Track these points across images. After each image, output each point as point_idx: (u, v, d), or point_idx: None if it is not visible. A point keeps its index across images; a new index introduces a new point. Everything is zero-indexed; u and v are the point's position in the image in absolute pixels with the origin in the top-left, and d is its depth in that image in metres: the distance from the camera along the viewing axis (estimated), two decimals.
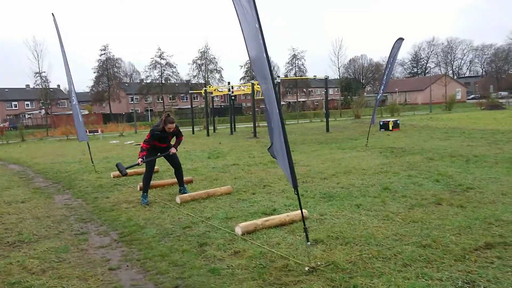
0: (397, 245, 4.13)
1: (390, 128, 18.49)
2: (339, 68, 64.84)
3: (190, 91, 25.77)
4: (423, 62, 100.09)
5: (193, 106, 26.34)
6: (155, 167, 7.35)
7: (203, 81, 67.61)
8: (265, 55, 3.70)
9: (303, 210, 5.29)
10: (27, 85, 78.94)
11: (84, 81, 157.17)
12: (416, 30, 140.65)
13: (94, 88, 71.66)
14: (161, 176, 9.05)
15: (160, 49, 79.00)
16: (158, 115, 35.18)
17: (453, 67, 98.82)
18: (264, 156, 11.75)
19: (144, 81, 73.24)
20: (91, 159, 10.44)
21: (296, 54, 79.23)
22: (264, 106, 4.17)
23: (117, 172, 9.11)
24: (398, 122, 19.11)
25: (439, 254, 3.87)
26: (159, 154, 6.77)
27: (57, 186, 8.52)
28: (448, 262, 3.68)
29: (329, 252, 4.07)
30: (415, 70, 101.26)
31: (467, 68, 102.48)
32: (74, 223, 5.63)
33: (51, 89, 79.22)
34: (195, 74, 70.36)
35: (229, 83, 24.14)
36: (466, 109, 43.69)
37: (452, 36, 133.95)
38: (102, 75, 70.01)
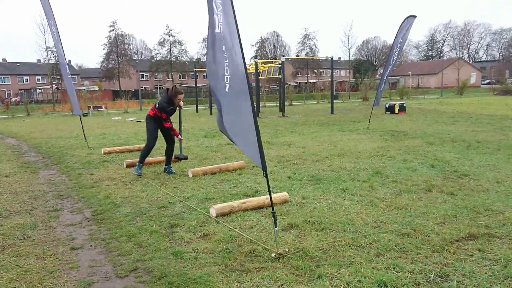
0: (375, 233, 3.91)
1: (396, 111, 18.07)
2: (349, 49, 63.48)
3: (194, 69, 25.43)
4: (438, 45, 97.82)
5: (200, 85, 26.09)
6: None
7: None
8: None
9: (284, 193, 5.13)
10: (38, 60, 79.07)
11: (95, 58, 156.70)
12: (433, 13, 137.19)
13: (104, 65, 71.58)
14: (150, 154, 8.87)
15: (168, 26, 78.40)
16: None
17: (469, 51, 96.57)
18: (261, 136, 11.51)
19: (154, 59, 72.88)
20: (84, 135, 10.30)
21: (308, 34, 77.94)
22: (211, 76, 3.79)
23: (108, 149, 9.00)
24: (404, 105, 18.65)
25: (417, 244, 3.64)
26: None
27: (46, 161, 8.41)
28: (424, 253, 3.45)
29: (302, 238, 3.87)
30: (430, 53, 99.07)
31: (484, 52, 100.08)
32: (50, 199, 5.49)
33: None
34: (204, 52, 69.71)
35: None
36: (478, 94, 42.70)
37: (470, 19, 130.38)
38: (111, 52, 69.77)
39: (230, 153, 8.74)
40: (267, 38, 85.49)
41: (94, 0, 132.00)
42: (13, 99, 68.46)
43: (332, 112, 19.94)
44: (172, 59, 69.66)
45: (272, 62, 23.11)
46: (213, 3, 3.57)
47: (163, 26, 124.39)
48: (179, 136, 6.85)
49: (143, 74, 75.85)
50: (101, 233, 4.19)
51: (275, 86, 63.13)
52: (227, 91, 3.69)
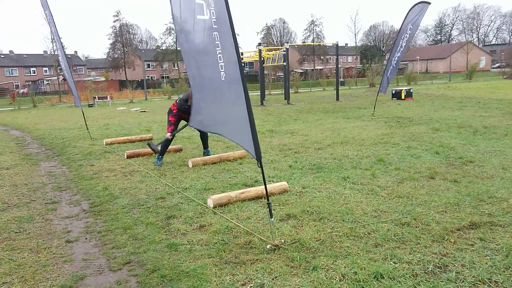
0: (374, 223, 3.83)
1: (403, 97, 17.82)
2: (355, 35, 62.76)
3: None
4: (447, 29, 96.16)
5: None
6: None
7: None
8: None
9: (283, 183, 5.04)
10: (45, 51, 79.28)
11: (102, 48, 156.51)
12: None
13: (110, 55, 71.53)
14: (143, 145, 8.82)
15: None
16: (169, 82, 34.82)
17: (479, 34, 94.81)
18: (264, 124, 11.43)
19: (160, 48, 72.64)
20: (86, 126, 10.27)
21: (314, 20, 77.08)
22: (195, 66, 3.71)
23: (110, 139, 8.97)
24: (411, 91, 18.38)
25: (417, 233, 3.55)
26: (185, 124, 6.79)
27: (48, 153, 8.40)
28: (424, 243, 3.37)
29: (299, 229, 3.80)
30: (439, 37, 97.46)
31: (494, 36, 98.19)
32: (49, 191, 5.47)
33: (68, 56, 79.71)
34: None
35: (241, 53, 23.52)
36: (488, 78, 41.97)
37: (479, 2, 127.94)
38: (116, 42, 69.64)
39: (230, 142, 8.65)
40: (273, 25, 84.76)
41: None
42: (21, 91, 68.89)
43: (337, 99, 19.72)
44: (178, 48, 69.33)
45: (279, 49, 22.85)
46: None
47: (168, 14, 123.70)
48: (169, 134, 6.70)
49: (149, 64, 75.78)
50: (97, 226, 4.15)
51: (281, 74, 62.76)
52: (223, 79, 3.60)
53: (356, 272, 2.93)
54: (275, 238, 3.51)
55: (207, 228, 3.93)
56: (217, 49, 3.57)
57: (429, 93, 21.88)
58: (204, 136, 7.22)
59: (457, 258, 3.08)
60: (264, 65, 22.23)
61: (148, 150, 7.36)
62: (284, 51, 19.79)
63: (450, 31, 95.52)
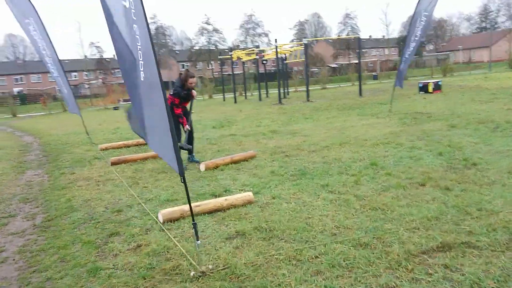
0: (328, 243, 3.30)
1: (430, 90, 16.73)
2: (387, 26, 60.49)
3: (219, 57, 25.02)
4: (493, 16, 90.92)
5: (238, 72, 25.64)
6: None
7: (251, 46, 66.53)
8: None
9: (248, 193, 4.59)
10: (85, 56, 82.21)
11: None
12: None
13: None
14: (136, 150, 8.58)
15: (206, 15, 78.46)
16: (201, 81, 34.78)
17: None
18: (271, 124, 10.95)
19: (193, 48, 73.35)
20: (86, 131, 10.19)
21: (348, 13, 75.21)
22: (125, 66, 3.28)
23: (105, 145, 8.81)
24: (439, 83, 17.23)
25: (371, 258, 3.00)
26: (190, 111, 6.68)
27: (42, 160, 8.34)
28: (373, 271, 2.82)
29: (240, 250, 3.33)
30: (484, 25, 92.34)
31: None
32: (14, 203, 5.28)
33: (107, 59, 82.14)
34: (242, 38, 69.34)
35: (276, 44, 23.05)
36: None
37: None
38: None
39: (226, 145, 8.26)
40: (307, 20, 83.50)
41: None
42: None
43: (360, 94, 18.84)
44: (210, 48, 69.79)
45: (301, 45, 22.17)
46: None
47: (202, 15, 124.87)
48: (186, 125, 6.47)
49: (183, 64, 76.68)
50: (35, 244, 3.87)
51: (315, 69, 61.63)
52: (142, 79, 3.18)
53: None
54: (202, 264, 3.07)
55: (142, 249, 3.54)
56: (137, 44, 3.15)
57: (463, 84, 20.52)
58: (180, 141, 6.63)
59: None
60: (286, 61, 21.70)
61: (134, 156, 7.09)
62: (303, 46, 19.10)
63: (496, 18, 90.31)
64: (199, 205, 4.28)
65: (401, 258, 2.97)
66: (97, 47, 77.69)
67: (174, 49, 78.56)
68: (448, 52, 71.26)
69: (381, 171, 5.38)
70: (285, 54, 21.69)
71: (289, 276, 2.85)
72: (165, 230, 3.87)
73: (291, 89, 28.04)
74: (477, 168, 5.16)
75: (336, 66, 66.86)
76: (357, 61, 72.54)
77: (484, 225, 3.42)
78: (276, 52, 17.65)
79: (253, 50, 23.10)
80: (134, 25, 3.11)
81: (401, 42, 78.81)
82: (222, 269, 3.02)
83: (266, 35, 69.78)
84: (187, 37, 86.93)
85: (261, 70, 25.67)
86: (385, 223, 3.64)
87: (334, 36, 72.44)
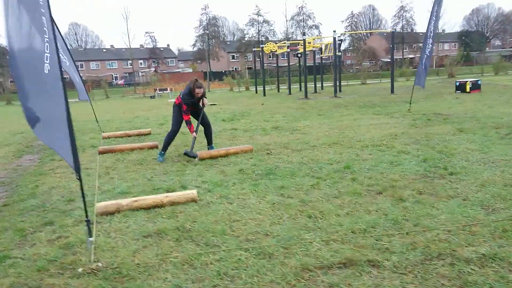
0: (233, 249, 3.17)
1: (467, 89, 15.70)
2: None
3: (253, 49, 24.89)
4: None
5: (282, 65, 25.38)
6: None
7: (301, 38, 65.80)
8: None
9: (192, 191, 4.53)
10: (141, 45, 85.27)
11: (188, 40, 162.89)
12: None
13: (197, 48, 74.29)
14: (134, 140, 8.72)
15: (257, 6, 78.40)
16: (230, 74, 34.96)
17: None
18: (280, 120, 10.77)
19: (243, 39, 73.66)
20: (96, 119, 10.52)
21: (404, 5, 72.17)
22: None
23: (107, 133, 9.05)
24: (479, 82, 16.11)
25: (263, 269, 2.84)
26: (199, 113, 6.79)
27: (47, 146, 8.70)
28: (256, 283, 2.67)
29: (143, 250, 3.28)
30: None
31: None
32: None
33: (161, 49, 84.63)
34: (292, 30, 68.72)
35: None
36: None
37: None
38: (203, 35, 72.01)
39: (219, 140, 8.21)
40: (361, 12, 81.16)
41: None
42: (118, 82, 74.88)
43: (392, 91, 18.05)
44: (260, 39, 69.76)
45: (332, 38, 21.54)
46: None
47: (253, 6, 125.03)
48: (194, 133, 6.60)
49: (233, 55, 77.36)
50: None
51: (367, 63, 60.00)
52: (47, 72, 3.17)
53: None
54: (96, 262, 3.05)
55: (61, 240, 3.58)
56: (45, 36, 3.15)
57: (509, 85, 19.08)
58: (207, 132, 6.91)
59: None
60: (322, 55, 21.22)
61: (122, 146, 7.23)
62: (338, 39, 18.57)
63: None
64: (137, 200, 4.27)
65: (292, 272, 2.79)
66: (151, 36, 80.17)
67: (225, 40, 79.34)
68: None
69: (349, 175, 5.11)
70: (319, 47, 21.20)
71: (169, 281, 2.77)
72: (97, 223, 3.89)
73: (343, 83, 27.14)
74: (453, 177, 4.76)
75: (389, 60, 64.56)
76: (412, 56, 69.41)
77: (406, 243, 3.14)
78: (304, 45, 17.25)
79: (284, 43, 22.75)
80: (42, 17, 3.12)
81: (462, 37, 74.83)
82: (112, 268, 2.99)
83: (317, 27, 68.65)
84: (239, 28, 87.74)
85: (310, 62, 25.10)
86: (308, 232, 3.44)
87: (388, 29, 69.74)
